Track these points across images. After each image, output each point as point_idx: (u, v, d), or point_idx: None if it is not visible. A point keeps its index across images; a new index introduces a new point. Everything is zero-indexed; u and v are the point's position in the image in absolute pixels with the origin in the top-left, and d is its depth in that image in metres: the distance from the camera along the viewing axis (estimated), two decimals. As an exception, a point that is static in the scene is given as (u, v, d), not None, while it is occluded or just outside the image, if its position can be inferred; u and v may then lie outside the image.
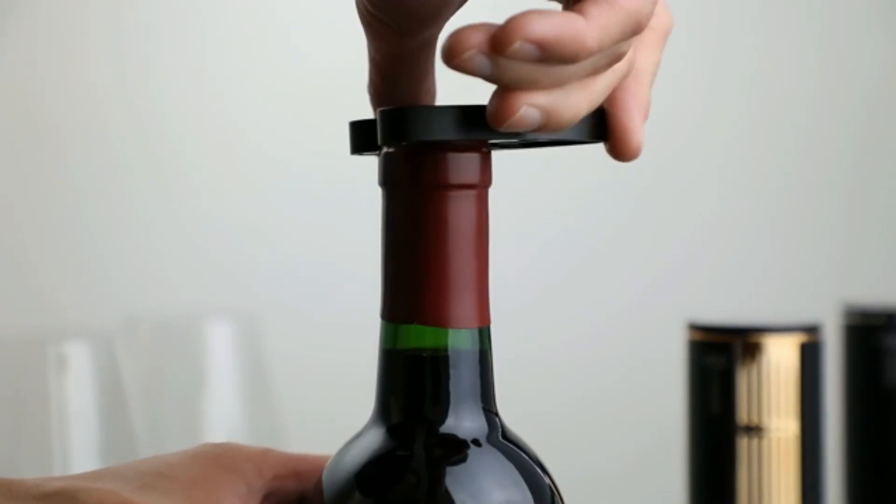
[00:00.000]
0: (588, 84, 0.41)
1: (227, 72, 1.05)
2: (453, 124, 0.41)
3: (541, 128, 0.40)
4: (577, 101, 0.41)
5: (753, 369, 0.66)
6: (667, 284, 1.15)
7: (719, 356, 0.66)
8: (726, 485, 0.66)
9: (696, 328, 0.68)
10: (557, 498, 0.45)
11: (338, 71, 0.89)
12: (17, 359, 0.63)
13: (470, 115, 0.41)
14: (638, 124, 0.44)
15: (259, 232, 1.05)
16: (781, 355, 0.66)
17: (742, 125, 1.17)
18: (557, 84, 0.40)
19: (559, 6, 0.43)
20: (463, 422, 0.44)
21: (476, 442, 0.44)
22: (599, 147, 0.44)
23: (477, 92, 0.42)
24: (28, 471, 0.61)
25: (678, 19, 0.47)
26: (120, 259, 1.02)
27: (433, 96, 0.48)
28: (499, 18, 0.39)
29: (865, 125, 1.20)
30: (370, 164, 0.45)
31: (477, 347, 0.44)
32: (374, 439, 0.44)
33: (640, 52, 0.44)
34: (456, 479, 0.43)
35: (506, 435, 0.45)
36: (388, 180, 0.44)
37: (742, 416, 0.66)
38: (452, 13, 0.45)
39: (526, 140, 0.44)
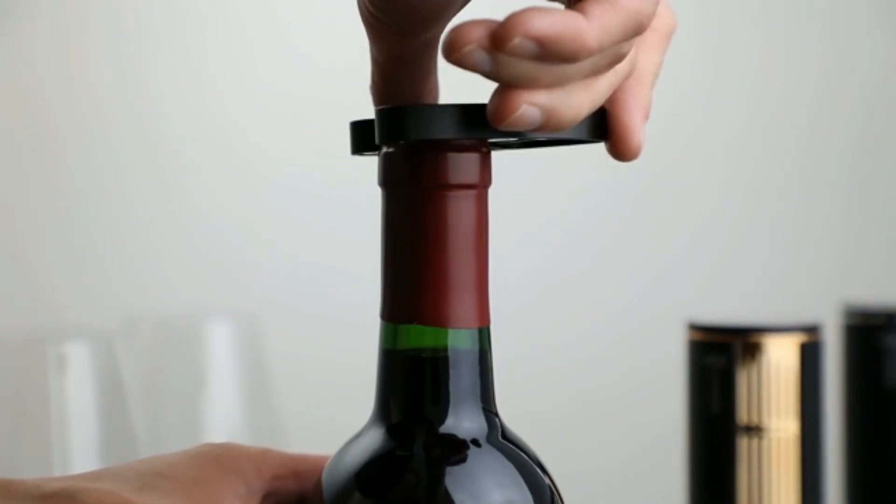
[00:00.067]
0: (589, 84, 0.41)
1: (227, 72, 1.05)
2: (452, 123, 0.41)
3: (541, 127, 0.40)
4: (578, 101, 0.41)
5: (753, 369, 0.66)
6: (667, 284, 1.15)
7: (719, 356, 0.66)
8: (726, 485, 0.66)
9: (696, 328, 0.68)
10: (557, 498, 0.45)
11: (338, 71, 0.89)
12: (17, 359, 0.63)
13: (469, 115, 0.41)
14: (639, 124, 0.44)
15: (259, 232, 1.05)
16: (781, 355, 0.66)
17: (742, 125, 1.17)
18: (558, 83, 0.40)
19: (561, 6, 0.43)
20: (462, 422, 0.44)
21: (476, 442, 0.44)
22: (599, 147, 0.44)
23: (479, 92, 0.42)
24: (28, 471, 0.61)
25: (678, 20, 0.47)
26: (120, 259, 1.02)
27: (436, 96, 0.48)
28: (500, 18, 0.39)
29: (865, 125, 1.20)
30: (370, 164, 0.45)
31: (477, 347, 0.44)
32: (374, 439, 0.44)
33: (642, 53, 0.44)
34: (455, 480, 0.43)
35: (505, 435, 0.45)
36: (388, 180, 0.44)
37: (742, 416, 0.66)
38: (454, 14, 0.45)
39: (526, 140, 0.44)
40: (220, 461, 0.46)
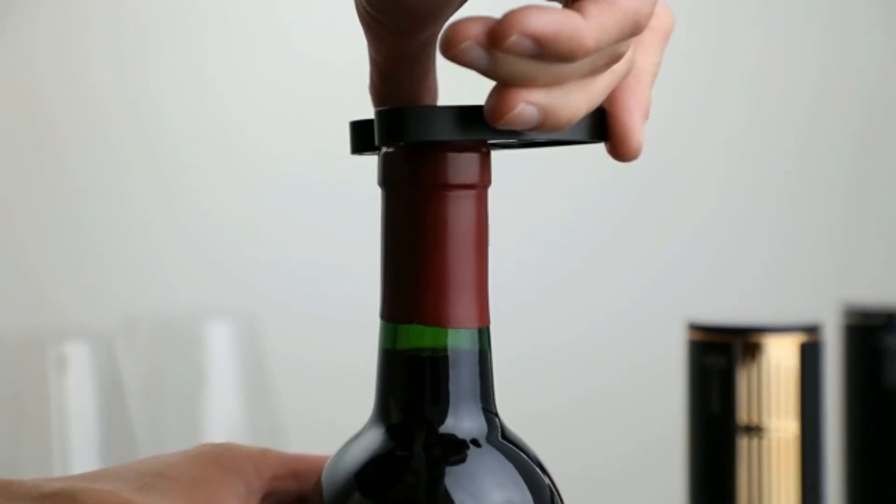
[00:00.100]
0: (587, 84, 0.41)
1: (227, 72, 1.05)
2: (451, 124, 0.41)
3: (539, 127, 0.40)
4: (575, 100, 0.41)
5: (753, 369, 0.66)
6: (667, 284, 1.15)
7: (719, 356, 0.66)
8: (726, 485, 0.66)
9: (696, 328, 0.68)
10: (557, 498, 0.45)
11: (338, 71, 0.89)
12: (17, 359, 0.63)
13: (468, 115, 0.41)
14: (638, 124, 0.44)
15: (259, 232, 1.05)
16: (781, 355, 0.66)
17: (741, 125, 1.17)
18: (555, 82, 0.40)
19: (559, 5, 0.43)
20: (462, 422, 0.44)
21: (475, 442, 0.44)
22: (599, 147, 0.44)
23: (479, 92, 0.42)
24: (28, 471, 0.61)
25: (678, 19, 0.47)
26: (120, 259, 1.02)
27: (435, 96, 0.48)
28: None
29: (865, 125, 1.20)
30: (370, 164, 0.45)
31: (476, 347, 0.44)
32: (374, 439, 0.44)
33: (641, 53, 0.44)
34: (455, 479, 0.43)
35: (505, 435, 0.45)
36: (388, 180, 0.44)
37: (742, 416, 0.66)
38: (452, 13, 0.45)
39: (525, 140, 0.44)
40: (219, 461, 0.46)
